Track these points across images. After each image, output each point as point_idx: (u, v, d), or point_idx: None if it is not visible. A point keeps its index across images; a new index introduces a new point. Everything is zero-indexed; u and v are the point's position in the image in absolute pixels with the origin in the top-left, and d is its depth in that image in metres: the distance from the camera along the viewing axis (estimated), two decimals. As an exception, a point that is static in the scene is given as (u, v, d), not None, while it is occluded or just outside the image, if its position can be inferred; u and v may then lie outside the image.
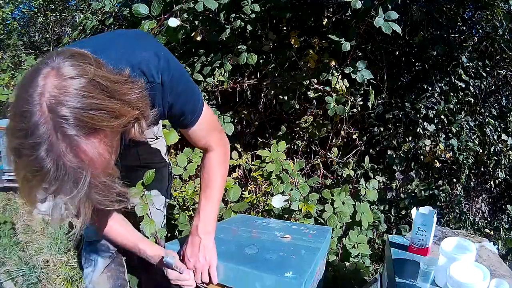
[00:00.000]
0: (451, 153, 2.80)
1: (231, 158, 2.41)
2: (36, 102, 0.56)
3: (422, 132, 2.79)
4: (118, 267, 1.30)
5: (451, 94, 2.83)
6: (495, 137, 2.98)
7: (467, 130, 2.90)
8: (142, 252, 1.13)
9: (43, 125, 0.56)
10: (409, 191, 2.75)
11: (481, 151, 2.94)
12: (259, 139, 2.65)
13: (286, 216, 1.91)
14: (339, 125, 2.57)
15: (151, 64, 0.80)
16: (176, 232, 1.83)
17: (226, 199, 1.93)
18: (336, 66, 2.33)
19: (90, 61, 0.62)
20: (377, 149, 2.92)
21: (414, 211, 1.12)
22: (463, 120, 2.87)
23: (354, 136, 2.67)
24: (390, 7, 1.97)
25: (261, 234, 1.30)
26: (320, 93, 2.39)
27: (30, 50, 5.34)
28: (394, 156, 2.77)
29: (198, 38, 2.31)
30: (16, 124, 0.57)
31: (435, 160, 2.73)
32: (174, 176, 2.04)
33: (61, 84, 0.57)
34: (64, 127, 0.56)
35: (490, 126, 2.98)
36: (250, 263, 1.05)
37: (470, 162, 2.87)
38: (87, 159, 0.60)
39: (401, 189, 2.79)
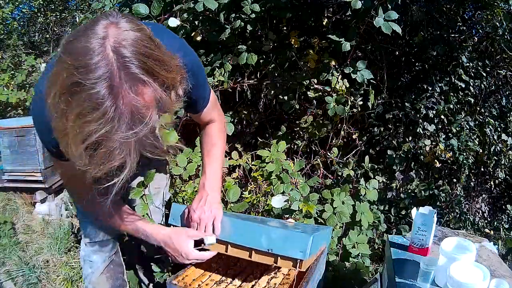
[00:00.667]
0: (451, 153, 2.80)
1: (231, 158, 2.42)
2: (100, 43, 0.56)
3: (422, 132, 2.79)
4: (117, 267, 1.30)
5: (451, 94, 2.83)
6: (495, 137, 2.97)
7: (467, 130, 2.90)
8: (141, 232, 1.10)
9: (107, 63, 0.56)
10: (409, 191, 2.75)
11: (481, 151, 2.94)
12: (259, 139, 2.65)
13: (286, 216, 1.91)
14: (339, 125, 2.57)
15: (179, 54, 0.82)
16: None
17: (226, 200, 1.93)
18: (336, 66, 2.33)
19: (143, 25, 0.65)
20: (377, 149, 2.92)
21: (414, 211, 1.12)
22: (463, 120, 2.87)
23: (354, 136, 2.67)
24: (390, 7, 1.97)
25: (265, 219, 1.33)
26: (320, 93, 2.39)
27: (30, 50, 5.34)
28: (394, 156, 2.77)
29: (198, 38, 2.31)
30: (76, 61, 0.56)
31: (435, 160, 2.73)
32: (174, 176, 2.04)
33: (123, 33, 0.59)
34: (128, 67, 0.57)
35: (490, 126, 2.98)
36: (256, 222, 1.10)
37: (470, 162, 2.87)
38: (145, 103, 0.59)
39: (401, 189, 2.79)
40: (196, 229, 1.09)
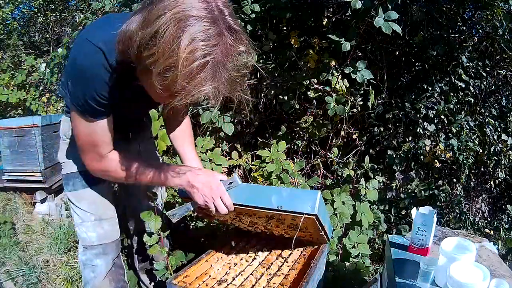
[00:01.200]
0: (451, 153, 2.80)
1: (231, 158, 2.42)
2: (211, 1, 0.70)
3: (422, 132, 2.79)
4: (118, 269, 1.29)
5: (451, 94, 2.83)
6: (495, 137, 2.98)
7: (467, 130, 2.90)
8: (163, 173, 1.05)
9: (216, 16, 0.69)
10: (409, 191, 2.75)
11: (481, 151, 2.94)
12: (259, 139, 2.65)
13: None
14: (339, 125, 2.57)
15: None
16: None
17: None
18: (336, 66, 2.33)
19: None
20: (377, 149, 2.92)
21: (414, 211, 1.12)
22: (463, 120, 2.87)
23: (354, 136, 2.67)
24: (390, 7, 1.97)
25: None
26: (320, 93, 2.39)
27: (30, 50, 5.34)
28: (394, 156, 2.77)
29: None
30: (184, 4, 0.67)
31: (435, 160, 2.73)
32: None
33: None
34: (230, 23, 0.71)
35: (490, 126, 2.99)
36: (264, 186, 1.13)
37: (470, 162, 2.87)
38: (243, 48, 0.73)
39: (401, 189, 2.79)
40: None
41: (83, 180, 1.19)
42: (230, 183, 1.07)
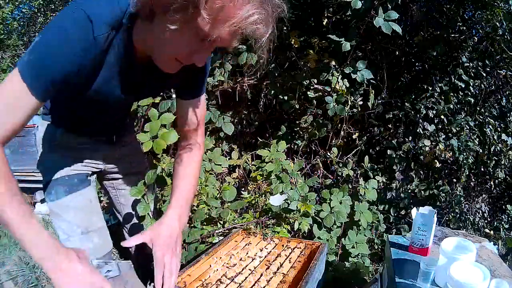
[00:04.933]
0: (451, 153, 2.80)
1: (231, 158, 2.42)
2: None
3: (422, 132, 2.79)
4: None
5: (451, 94, 2.83)
6: (495, 137, 2.97)
7: (467, 130, 2.90)
8: (22, 229, 0.74)
9: None
10: (409, 191, 2.75)
11: (481, 151, 2.94)
12: (259, 139, 2.65)
13: (285, 215, 1.91)
14: (339, 125, 2.57)
15: None
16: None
17: (223, 200, 1.93)
18: (336, 66, 2.33)
19: None
20: (377, 149, 2.92)
21: (414, 211, 1.12)
22: (463, 120, 2.87)
23: (354, 136, 2.67)
24: (390, 7, 1.97)
25: None
26: (320, 93, 2.39)
27: (30, 50, 5.34)
28: (394, 156, 2.77)
29: (198, 38, 2.31)
30: None
31: (435, 160, 2.73)
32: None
33: None
34: None
35: (490, 126, 2.98)
36: None
37: (470, 162, 2.87)
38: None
39: (401, 189, 2.79)
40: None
41: (65, 186, 1.08)
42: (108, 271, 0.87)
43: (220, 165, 2.11)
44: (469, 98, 2.92)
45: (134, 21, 0.78)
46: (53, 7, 5.33)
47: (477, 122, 3.02)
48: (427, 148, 2.74)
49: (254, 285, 1.14)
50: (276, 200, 1.84)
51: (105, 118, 1.06)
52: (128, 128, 1.31)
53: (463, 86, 2.82)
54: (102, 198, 1.54)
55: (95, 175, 1.21)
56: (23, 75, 0.73)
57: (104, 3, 0.76)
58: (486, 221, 3.06)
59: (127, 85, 0.88)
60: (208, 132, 2.48)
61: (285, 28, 2.45)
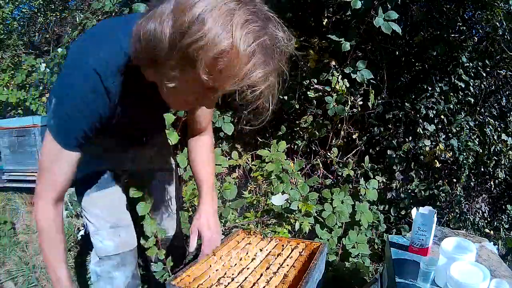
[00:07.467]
0: (451, 153, 2.80)
1: (231, 158, 2.42)
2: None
3: (422, 132, 2.79)
4: (135, 280, 1.22)
5: (451, 94, 2.83)
6: (495, 137, 2.97)
7: (467, 130, 2.90)
8: (58, 269, 0.99)
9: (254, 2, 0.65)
10: (409, 191, 2.75)
11: (481, 151, 2.94)
12: (259, 139, 2.65)
13: (286, 215, 1.91)
14: (339, 125, 2.57)
15: None
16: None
17: (224, 199, 1.93)
18: (336, 66, 2.33)
19: None
20: (377, 149, 2.92)
21: (414, 211, 1.12)
22: (463, 120, 2.87)
23: (354, 136, 2.67)
24: (390, 7, 1.97)
25: None
26: (320, 93, 2.39)
27: (30, 50, 5.34)
28: (394, 156, 2.77)
29: (198, 38, 2.31)
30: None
31: (435, 160, 2.73)
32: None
33: None
34: (266, 9, 0.68)
35: (490, 126, 2.98)
36: None
37: (470, 162, 2.87)
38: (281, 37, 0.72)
39: (401, 189, 2.79)
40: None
41: (95, 182, 1.14)
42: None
43: (220, 165, 2.11)
44: (469, 98, 2.92)
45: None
46: (53, 7, 5.33)
47: (477, 122, 3.02)
48: (427, 148, 2.74)
49: (254, 285, 1.14)
50: (277, 200, 1.85)
51: (137, 125, 1.11)
52: (159, 128, 1.37)
53: (463, 86, 2.82)
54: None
55: (124, 173, 1.23)
56: (55, 139, 0.85)
57: (108, 49, 0.79)
58: (486, 221, 3.06)
59: (150, 100, 0.90)
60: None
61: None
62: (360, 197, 2.09)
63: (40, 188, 0.93)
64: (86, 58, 0.78)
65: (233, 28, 0.60)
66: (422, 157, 2.78)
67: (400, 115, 2.83)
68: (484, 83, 2.99)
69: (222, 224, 1.89)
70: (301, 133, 2.64)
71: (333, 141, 2.60)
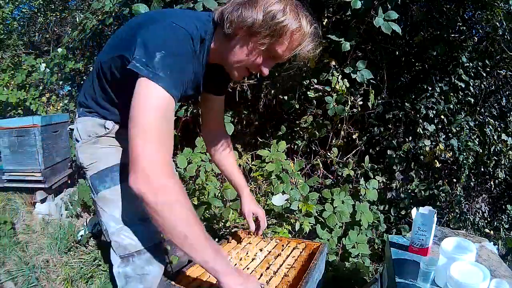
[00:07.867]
0: (451, 153, 2.80)
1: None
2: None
3: (422, 132, 2.79)
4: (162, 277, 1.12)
5: (451, 94, 2.83)
6: (495, 137, 2.97)
7: (467, 130, 2.90)
8: (210, 250, 0.88)
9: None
10: (409, 191, 2.75)
11: (481, 151, 2.94)
12: (259, 139, 2.65)
13: (286, 215, 1.91)
14: (339, 125, 2.57)
15: None
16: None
17: (224, 199, 1.93)
18: (336, 66, 2.33)
19: None
20: (377, 149, 2.92)
21: (414, 211, 1.12)
22: (463, 120, 2.87)
23: (354, 136, 2.67)
24: (390, 7, 1.97)
25: None
26: (320, 93, 2.39)
27: (30, 50, 5.34)
28: (394, 156, 2.77)
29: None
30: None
31: (435, 160, 2.73)
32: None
33: None
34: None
35: (490, 126, 2.99)
36: None
37: (470, 162, 2.87)
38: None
39: (401, 189, 2.79)
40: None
41: (121, 173, 1.05)
42: None
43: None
44: (469, 98, 2.92)
45: (211, 38, 1.00)
46: (53, 7, 5.33)
47: (477, 122, 3.02)
48: (427, 148, 2.74)
49: (254, 285, 1.14)
50: (278, 200, 1.85)
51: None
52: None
53: (463, 86, 2.82)
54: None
55: None
56: (169, 91, 0.85)
57: (191, 24, 0.93)
58: (486, 221, 3.06)
59: (196, 86, 1.07)
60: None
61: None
62: (360, 197, 2.09)
63: (151, 152, 0.80)
64: (178, 23, 0.89)
65: (300, 17, 0.94)
66: (422, 157, 2.78)
67: (400, 115, 2.83)
68: (484, 83, 2.99)
69: (222, 224, 1.89)
70: (301, 133, 2.64)
71: (333, 141, 2.60)
